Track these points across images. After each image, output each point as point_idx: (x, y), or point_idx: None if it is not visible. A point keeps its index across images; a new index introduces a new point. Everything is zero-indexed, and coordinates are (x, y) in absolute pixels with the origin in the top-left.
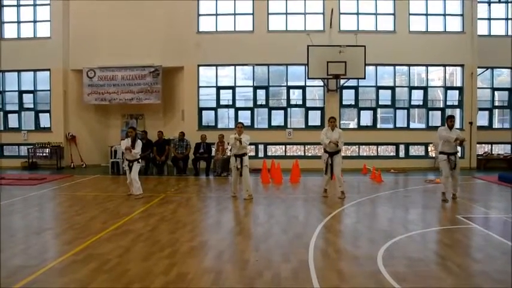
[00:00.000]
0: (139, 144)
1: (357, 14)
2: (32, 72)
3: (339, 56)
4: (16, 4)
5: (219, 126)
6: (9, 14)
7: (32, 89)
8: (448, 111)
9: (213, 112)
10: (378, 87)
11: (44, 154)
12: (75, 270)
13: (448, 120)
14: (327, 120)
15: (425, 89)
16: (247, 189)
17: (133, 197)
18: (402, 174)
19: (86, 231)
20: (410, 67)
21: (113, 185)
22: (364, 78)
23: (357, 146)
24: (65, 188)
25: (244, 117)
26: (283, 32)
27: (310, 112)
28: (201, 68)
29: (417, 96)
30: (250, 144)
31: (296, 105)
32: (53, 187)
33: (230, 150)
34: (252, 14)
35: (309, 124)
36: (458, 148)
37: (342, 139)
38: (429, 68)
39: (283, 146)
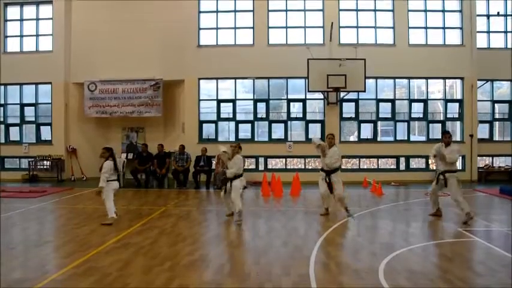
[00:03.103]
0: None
1: (357, 27)
2: (34, 86)
3: (339, 69)
4: (19, 18)
5: (220, 139)
6: (12, 28)
7: (34, 102)
8: (449, 124)
9: (213, 125)
10: (378, 100)
11: (45, 167)
12: (75, 283)
13: (443, 136)
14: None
15: (425, 101)
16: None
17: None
18: (403, 187)
19: (86, 244)
20: (410, 80)
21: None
22: (364, 91)
23: (358, 159)
24: (65, 200)
25: (245, 130)
26: (283, 45)
27: (310, 125)
28: (201, 81)
29: (417, 109)
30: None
31: (296, 118)
32: (53, 200)
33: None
34: (253, 27)
35: (309, 137)
36: (458, 165)
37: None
38: (429, 80)
39: (284, 159)
